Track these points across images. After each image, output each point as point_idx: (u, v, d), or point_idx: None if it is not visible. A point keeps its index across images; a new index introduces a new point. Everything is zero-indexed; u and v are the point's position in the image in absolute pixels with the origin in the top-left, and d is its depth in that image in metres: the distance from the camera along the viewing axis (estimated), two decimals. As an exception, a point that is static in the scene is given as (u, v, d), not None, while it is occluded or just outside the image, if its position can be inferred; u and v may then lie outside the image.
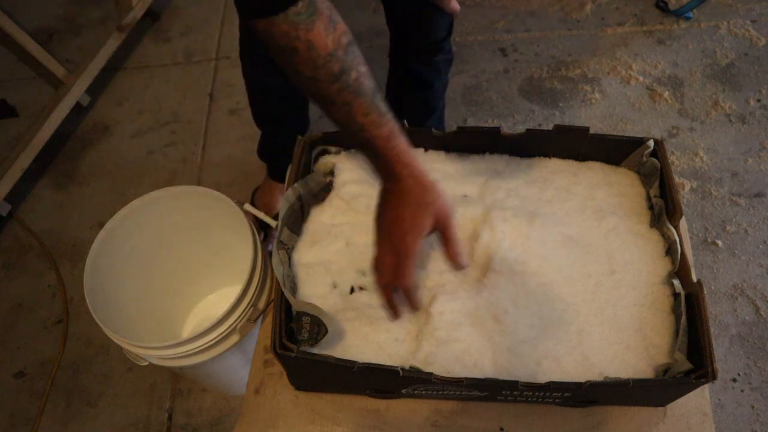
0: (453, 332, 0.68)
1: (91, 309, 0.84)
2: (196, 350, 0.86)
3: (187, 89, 1.82)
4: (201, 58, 1.90)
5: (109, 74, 1.85)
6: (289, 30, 0.57)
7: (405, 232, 0.63)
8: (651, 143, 0.78)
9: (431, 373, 0.60)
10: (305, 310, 0.65)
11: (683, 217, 0.74)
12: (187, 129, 1.72)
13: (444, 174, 0.82)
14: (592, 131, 0.78)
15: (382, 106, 0.62)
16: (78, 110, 1.74)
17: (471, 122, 1.64)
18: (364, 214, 0.77)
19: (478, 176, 0.82)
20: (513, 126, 1.62)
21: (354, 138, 0.64)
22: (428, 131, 0.81)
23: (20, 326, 1.39)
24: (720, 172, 1.48)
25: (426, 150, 0.84)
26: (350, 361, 0.61)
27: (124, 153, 1.69)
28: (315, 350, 0.66)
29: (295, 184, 0.76)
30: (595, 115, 1.63)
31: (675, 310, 0.68)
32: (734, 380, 1.20)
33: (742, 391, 1.18)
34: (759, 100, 1.60)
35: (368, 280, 0.73)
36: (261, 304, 0.89)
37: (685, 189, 1.46)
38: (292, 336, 0.66)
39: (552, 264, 0.74)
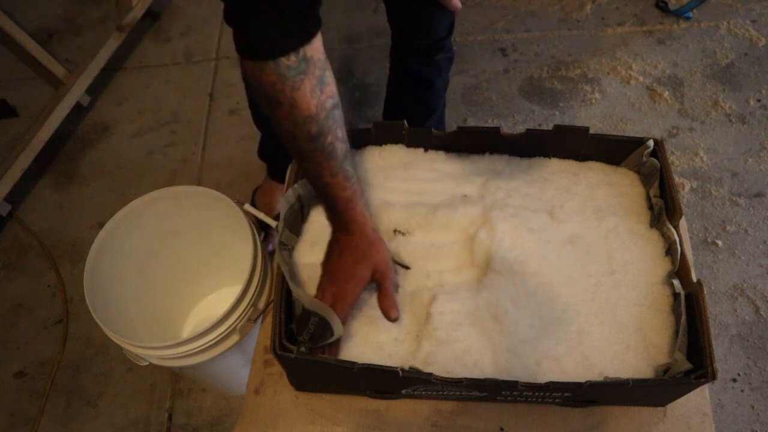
0: (453, 332, 0.68)
1: (91, 309, 0.84)
2: (196, 350, 0.86)
3: (187, 89, 1.82)
4: (201, 58, 1.90)
5: (109, 74, 1.85)
6: (276, 82, 0.57)
7: (346, 280, 0.67)
8: (651, 143, 0.78)
9: (431, 374, 0.60)
10: (318, 311, 0.65)
11: (683, 217, 0.74)
12: (187, 129, 1.72)
13: (444, 174, 0.82)
14: (592, 131, 0.78)
15: (350, 170, 0.67)
16: (78, 110, 1.74)
17: (471, 122, 1.64)
18: (364, 214, 0.77)
19: (478, 176, 0.82)
20: (513, 126, 1.62)
21: (318, 191, 0.69)
22: (428, 131, 0.81)
23: (20, 326, 1.39)
24: (720, 172, 1.48)
25: (426, 150, 0.84)
26: (350, 361, 0.61)
27: (124, 153, 1.69)
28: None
29: (295, 184, 0.76)
30: (595, 115, 1.63)
31: (675, 310, 0.68)
32: (734, 380, 1.20)
33: (742, 391, 1.18)
34: (759, 100, 1.60)
35: (368, 280, 0.73)
36: (261, 304, 0.89)
37: (685, 189, 1.46)
38: (292, 336, 0.66)
39: (552, 264, 0.74)
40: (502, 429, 0.70)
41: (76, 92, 1.67)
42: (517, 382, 0.59)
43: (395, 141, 0.83)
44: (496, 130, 0.79)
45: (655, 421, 0.69)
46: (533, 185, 0.81)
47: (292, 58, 0.56)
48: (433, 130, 0.81)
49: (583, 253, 0.75)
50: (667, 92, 1.64)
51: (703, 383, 0.60)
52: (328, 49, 0.60)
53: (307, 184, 0.78)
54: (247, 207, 0.89)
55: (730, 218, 1.40)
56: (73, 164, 1.68)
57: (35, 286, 1.45)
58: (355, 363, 0.60)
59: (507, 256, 0.73)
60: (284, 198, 0.74)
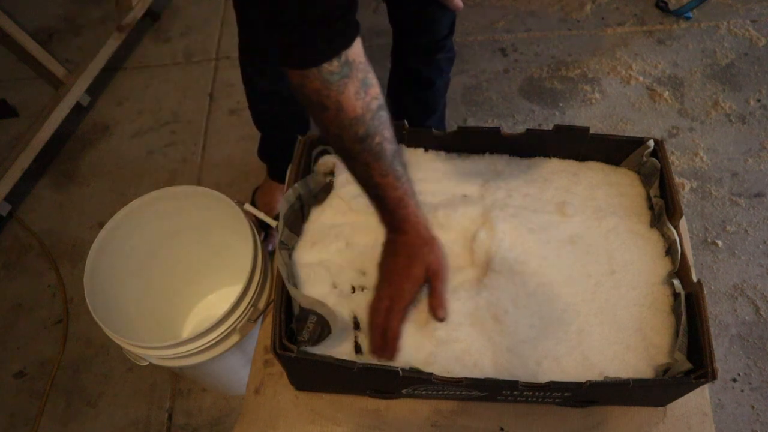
0: (453, 332, 0.68)
1: (91, 309, 0.84)
2: (196, 350, 0.86)
3: (187, 89, 1.82)
4: (201, 58, 1.90)
5: (109, 74, 1.85)
6: (321, 88, 0.58)
7: (401, 281, 0.66)
8: (651, 143, 0.78)
9: (431, 373, 0.60)
10: (314, 309, 0.65)
11: (683, 217, 0.74)
12: (187, 129, 1.72)
13: (444, 174, 0.82)
14: (592, 131, 0.78)
15: (400, 169, 0.66)
16: (78, 110, 1.74)
17: (471, 122, 1.64)
18: (364, 214, 0.77)
19: (478, 176, 0.82)
20: (513, 126, 1.62)
21: (369, 191, 0.67)
22: (428, 131, 0.81)
23: (20, 326, 1.39)
24: (720, 172, 1.48)
25: (426, 150, 0.84)
26: (350, 361, 0.61)
27: (124, 153, 1.69)
28: (315, 350, 0.66)
29: (295, 184, 0.76)
30: (595, 115, 1.63)
31: (675, 310, 0.68)
32: (734, 380, 1.20)
33: (742, 391, 1.18)
34: (759, 100, 1.60)
35: (368, 279, 0.73)
36: (261, 304, 0.89)
37: (685, 189, 1.46)
38: (292, 336, 0.66)
39: (552, 264, 0.74)
40: (502, 429, 0.70)
41: (76, 92, 1.67)
42: (517, 382, 0.59)
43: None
44: (496, 130, 0.79)
45: (655, 421, 0.69)
46: (533, 185, 0.81)
47: (335, 63, 0.57)
48: (433, 130, 0.81)
49: (583, 253, 0.75)
50: (667, 92, 1.64)
51: (703, 383, 0.60)
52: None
53: (307, 183, 0.78)
54: (247, 207, 0.89)
55: (730, 218, 1.40)
56: (73, 164, 1.68)
57: (35, 286, 1.45)
58: (355, 363, 0.60)
59: (507, 256, 0.73)
60: (284, 198, 0.74)
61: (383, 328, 0.65)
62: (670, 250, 0.73)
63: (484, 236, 0.74)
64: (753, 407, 1.16)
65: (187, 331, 1.23)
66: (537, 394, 0.62)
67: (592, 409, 0.70)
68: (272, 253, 1.31)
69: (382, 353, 0.65)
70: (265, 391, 0.74)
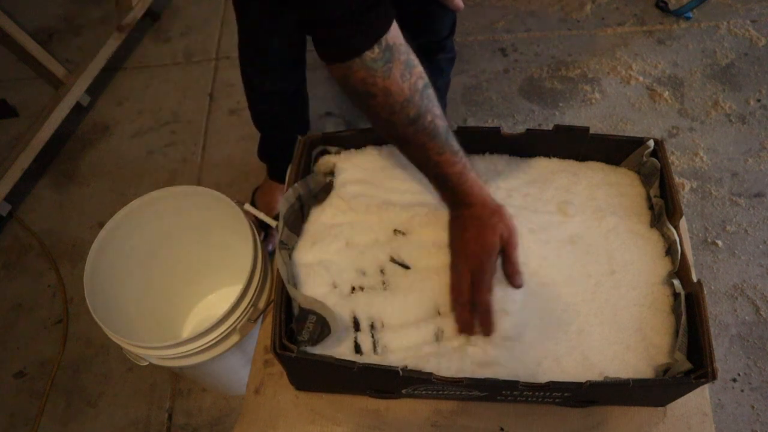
0: (453, 332, 0.68)
1: (91, 309, 0.84)
2: (196, 350, 0.86)
3: (187, 89, 1.82)
4: (201, 58, 1.90)
5: (109, 74, 1.85)
6: (366, 77, 0.58)
7: (480, 254, 0.66)
8: (651, 143, 0.78)
9: (431, 373, 0.60)
10: (313, 309, 0.65)
11: (683, 217, 0.74)
12: (187, 129, 1.72)
13: (444, 174, 0.82)
14: (592, 131, 0.78)
15: (455, 144, 0.66)
16: (78, 110, 1.74)
17: (471, 122, 1.64)
18: (364, 214, 0.77)
19: (478, 176, 0.82)
20: (513, 126, 1.62)
21: (428, 172, 0.67)
22: (428, 131, 0.81)
23: (20, 326, 1.39)
24: (720, 172, 1.48)
25: (426, 150, 0.84)
26: (350, 361, 0.61)
27: (124, 153, 1.69)
28: (315, 350, 0.66)
29: (295, 184, 0.76)
30: (595, 115, 1.63)
31: (675, 310, 0.68)
32: (734, 380, 1.20)
33: (742, 391, 1.18)
34: (759, 100, 1.60)
35: (368, 280, 0.73)
36: (261, 304, 0.89)
37: (685, 189, 1.46)
38: (292, 336, 0.66)
39: (552, 264, 0.74)
40: (502, 429, 0.70)
41: (76, 92, 1.67)
42: (517, 381, 0.59)
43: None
44: (496, 130, 0.79)
45: (655, 421, 0.69)
46: (533, 185, 0.81)
47: (376, 50, 0.57)
48: (433, 130, 0.81)
49: (583, 253, 0.75)
50: (667, 92, 1.65)
51: (703, 383, 0.60)
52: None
53: (307, 183, 0.78)
54: (247, 207, 0.89)
55: (730, 218, 1.40)
56: (73, 164, 1.68)
57: (35, 286, 1.45)
58: (355, 363, 0.60)
59: (507, 256, 0.73)
60: (284, 198, 0.74)
61: (471, 305, 0.65)
62: (670, 250, 0.73)
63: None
64: (753, 407, 1.16)
65: (187, 331, 1.23)
66: (537, 394, 0.62)
67: (592, 409, 0.70)
68: (272, 253, 1.31)
69: (475, 330, 0.65)
70: (265, 391, 0.74)
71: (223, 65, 1.87)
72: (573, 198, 0.79)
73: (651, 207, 0.78)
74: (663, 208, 0.75)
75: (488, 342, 0.67)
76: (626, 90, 1.67)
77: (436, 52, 1.17)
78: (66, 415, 1.25)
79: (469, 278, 0.66)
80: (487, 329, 0.65)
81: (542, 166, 0.83)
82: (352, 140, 0.82)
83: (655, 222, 0.76)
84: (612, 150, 0.81)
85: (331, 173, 0.82)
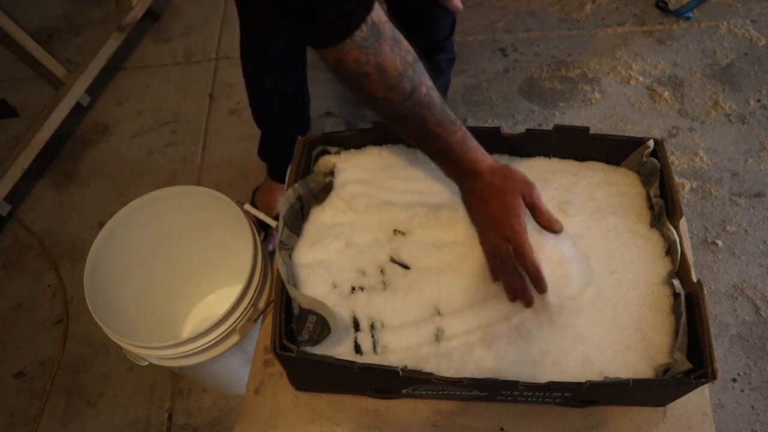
0: (453, 332, 0.68)
1: (91, 309, 0.84)
2: (196, 350, 0.86)
3: (187, 89, 1.82)
4: (201, 58, 1.90)
5: (109, 74, 1.85)
6: (359, 56, 0.59)
7: (508, 218, 0.66)
8: (651, 143, 0.78)
9: (431, 373, 0.60)
10: (313, 308, 0.65)
11: (683, 217, 0.74)
12: (187, 129, 1.72)
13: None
14: (592, 131, 0.78)
15: (451, 114, 0.66)
16: (78, 110, 1.74)
17: (471, 122, 1.64)
18: (364, 214, 0.77)
19: (478, 176, 0.82)
20: (513, 126, 1.62)
21: (430, 148, 0.67)
22: (428, 131, 0.81)
23: (20, 326, 1.39)
24: (720, 172, 1.48)
25: (426, 150, 0.84)
26: (350, 361, 0.61)
27: (124, 153, 1.69)
28: (315, 350, 0.66)
29: (295, 184, 0.76)
30: (595, 115, 1.63)
31: (675, 310, 0.68)
32: (734, 380, 1.20)
33: (742, 391, 1.18)
34: (759, 100, 1.60)
35: (368, 280, 0.73)
36: (261, 304, 0.89)
37: (685, 189, 1.46)
38: (292, 336, 0.66)
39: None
40: (502, 429, 0.70)
41: (76, 92, 1.67)
42: (517, 382, 0.59)
43: (395, 141, 0.83)
44: (496, 130, 0.79)
45: (655, 421, 0.69)
46: (533, 185, 0.81)
47: (364, 29, 0.58)
48: (433, 130, 0.81)
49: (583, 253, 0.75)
50: (667, 92, 1.65)
51: (703, 383, 0.60)
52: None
53: (307, 183, 0.78)
54: (247, 207, 0.89)
55: (730, 218, 1.40)
56: (73, 164, 1.68)
57: (35, 286, 1.45)
58: (355, 363, 0.60)
59: (507, 256, 0.73)
60: (284, 198, 0.74)
61: (519, 271, 0.65)
62: (670, 250, 0.73)
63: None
64: (753, 407, 1.16)
65: (187, 331, 1.23)
66: (537, 394, 0.62)
67: (592, 409, 0.70)
68: (272, 253, 1.31)
69: (529, 292, 0.66)
70: (265, 391, 0.74)
71: (223, 65, 1.87)
72: (573, 198, 0.79)
73: (651, 207, 0.78)
74: (663, 208, 0.75)
75: (491, 342, 0.67)
76: (626, 90, 1.67)
77: (436, 52, 1.17)
78: (66, 415, 1.25)
79: (506, 247, 0.65)
80: (541, 287, 0.65)
81: (542, 166, 0.83)
82: (352, 140, 0.82)
83: (655, 222, 0.76)
84: (612, 150, 0.81)
85: (331, 173, 0.82)
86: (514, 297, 0.67)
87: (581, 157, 0.83)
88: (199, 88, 1.81)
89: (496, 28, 1.86)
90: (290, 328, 0.66)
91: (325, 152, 0.83)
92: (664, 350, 0.66)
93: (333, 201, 0.80)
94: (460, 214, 0.77)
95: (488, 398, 0.68)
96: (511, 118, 1.64)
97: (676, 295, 0.68)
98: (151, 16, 1.99)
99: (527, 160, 0.84)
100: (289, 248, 0.75)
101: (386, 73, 0.60)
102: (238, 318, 0.86)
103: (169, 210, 1.00)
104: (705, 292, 0.63)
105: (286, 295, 0.66)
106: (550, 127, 0.78)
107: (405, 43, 0.62)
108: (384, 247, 0.75)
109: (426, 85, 0.63)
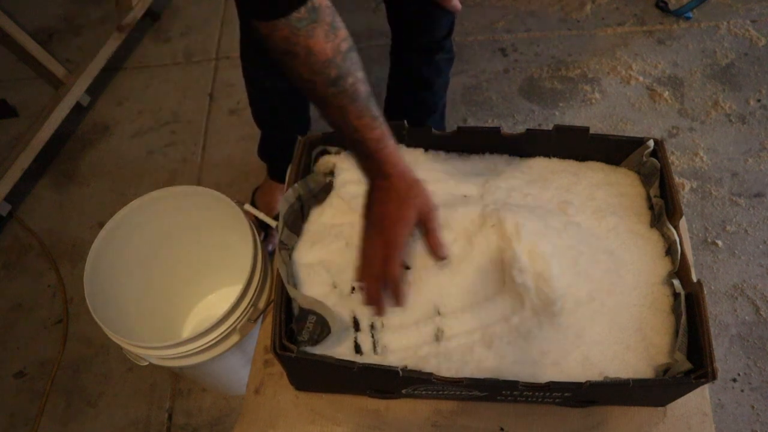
0: (453, 332, 0.68)
1: (91, 309, 0.84)
2: (196, 350, 0.86)
3: (187, 89, 1.82)
4: (201, 58, 1.90)
5: (109, 74, 1.85)
6: (290, 35, 0.58)
7: (393, 225, 0.66)
8: (651, 143, 0.78)
9: (431, 373, 0.60)
10: (313, 308, 0.65)
11: (683, 217, 0.74)
12: (187, 129, 1.72)
13: (444, 174, 0.82)
14: (592, 131, 0.78)
15: (375, 110, 0.65)
16: (78, 110, 1.74)
17: (471, 122, 1.64)
18: (364, 214, 0.77)
19: (478, 176, 0.82)
20: (513, 126, 1.62)
21: (346, 138, 0.67)
22: (428, 131, 0.81)
23: (20, 326, 1.39)
24: (720, 172, 1.48)
25: (426, 150, 0.84)
26: (350, 361, 0.61)
27: (124, 153, 1.69)
28: (315, 350, 0.66)
29: (295, 184, 0.76)
30: (595, 115, 1.63)
31: (675, 310, 0.68)
32: (734, 380, 1.20)
33: (742, 391, 1.18)
34: (759, 100, 1.60)
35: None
36: (261, 304, 0.89)
37: (685, 189, 1.46)
38: (292, 336, 0.66)
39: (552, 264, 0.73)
40: (502, 429, 0.70)
41: (76, 92, 1.67)
42: (517, 382, 0.59)
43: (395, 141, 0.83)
44: (496, 130, 0.79)
45: (655, 421, 0.69)
46: (533, 185, 0.81)
47: (302, 10, 0.57)
48: (433, 130, 0.81)
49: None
50: (667, 92, 1.65)
51: (703, 383, 0.60)
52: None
53: (307, 183, 0.78)
54: (247, 207, 0.89)
55: (730, 218, 1.40)
56: (73, 164, 1.68)
57: (35, 286, 1.45)
58: (355, 363, 0.60)
59: (507, 256, 0.73)
60: (284, 198, 0.74)
61: (381, 279, 0.65)
62: (670, 250, 0.73)
63: (484, 236, 0.74)
64: (753, 407, 1.16)
65: (187, 331, 1.23)
66: (537, 394, 0.62)
67: (592, 409, 0.70)
68: (272, 253, 1.31)
69: (383, 303, 0.65)
70: (265, 391, 0.74)
71: (223, 65, 1.87)
72: (573, 198, 0.79)
73: (651, 207, 0.78)
74: (663, 208, 0.75)
75: (491, 342, 0.67)
76: (626, 90, 1.67)
77: (435, 52, 1.17)
78: (66, 415, 1.25)
79: (381, 251, 0.65)
80: (398, 300, 0.66)
81: (542, 166, 0.83)
82: (352, 140, 0.82)
83: (655, 222, 0.76)
84: (612, 150, 0.81)
85: (331, 173, 0.82)
86: (368, 302, 0.67)
87: (581, 157, 0.83)
88: (199, 88, 1.81)
89: (496, 28, 1.86)
90: (290, 328, 0.66)
91: (325, 152, 0.83)
92: (664, 350, 0.66)
93: (333, 201, 0.80)
94: (458, 214, 0.77)
95: (488, 398, 0.68)
96: (511, 118, 1.64)
97: (676, 295, 0.68)
98: (151, 16, 1.99)
99: (527, 160, 0.84)
100: (289, 248, 0.75)
101: (313, 56, 0.60)
102: (238, 318, 0.86)
103: (169, 210, 1.00)
104: (705, 292, 0.63)
105: (286, 295, 0.66)
106: (550, 127, 0.78)
107: (343, 32, 0.61)
108: (384, 247, 0.75)
109: (354, 76, 0.63)
